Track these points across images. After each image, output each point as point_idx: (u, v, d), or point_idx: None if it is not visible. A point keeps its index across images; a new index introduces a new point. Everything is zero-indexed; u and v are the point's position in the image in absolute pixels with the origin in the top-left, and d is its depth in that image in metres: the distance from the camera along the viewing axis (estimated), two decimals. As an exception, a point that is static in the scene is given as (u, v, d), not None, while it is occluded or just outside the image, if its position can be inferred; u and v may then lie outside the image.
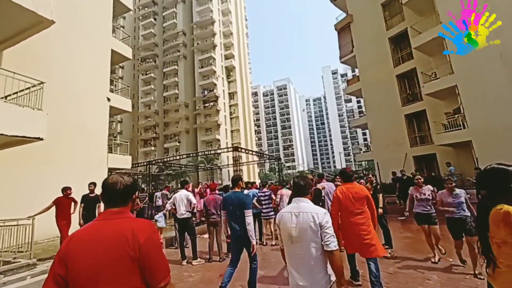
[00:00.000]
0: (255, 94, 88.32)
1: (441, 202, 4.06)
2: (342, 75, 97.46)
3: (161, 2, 50.46)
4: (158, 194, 11.61)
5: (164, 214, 7.71)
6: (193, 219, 7.25)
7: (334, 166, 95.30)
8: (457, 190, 3.97)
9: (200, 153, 25.99)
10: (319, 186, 5.25)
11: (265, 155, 25.18)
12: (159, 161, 22.17)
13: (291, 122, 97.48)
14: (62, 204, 5.52)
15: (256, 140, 61.99)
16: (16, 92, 5.28)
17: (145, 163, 20.95)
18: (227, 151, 21.92)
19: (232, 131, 47.31)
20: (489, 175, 1.50)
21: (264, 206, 6.76)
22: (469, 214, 3.86)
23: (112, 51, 11.43)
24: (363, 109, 23.85)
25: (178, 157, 22.75)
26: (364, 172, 36.13)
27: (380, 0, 17.48)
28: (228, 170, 38.40)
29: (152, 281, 1.13)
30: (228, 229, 3.79)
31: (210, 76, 44.65)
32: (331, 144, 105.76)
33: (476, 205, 3.82)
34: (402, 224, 7.87)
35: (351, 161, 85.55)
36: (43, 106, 5.59)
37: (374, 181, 5.85)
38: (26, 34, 6.02)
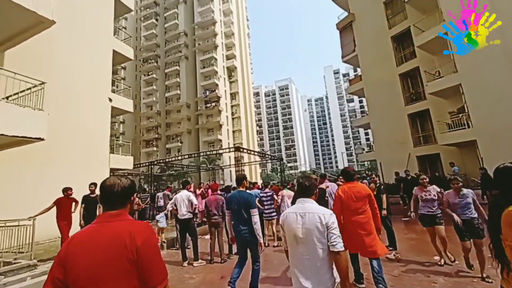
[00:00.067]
0: (256, 94, 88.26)
1: (448, 203, 3.91)
2: (344, 75, 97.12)
3: (162, 3, 50.60)
4: (160, 194, 11.59)
5: (166, 215, 7.68)
6: (195, 220, 7.22)
7: (337, 167, 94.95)
8: (465, 190, 3.82)
9: (202, 154, 25.97)
10: (323, 185, 5.18)
11: (267, 156, 25.11)
12: (161, 161, 22.18)
13: (293, 122, 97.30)
14: (63, 205, 5.50)
15: (258, 141, 61.94)
16: (17, 93, 5.27)
17: (147, 164, 20.98)
18: (229, 152, 21.88)
19: (234, 132, 47.29)
20: (502, 174, 1.46)
21: (266, 207, 6.70)
22: (476, 215, 3.71)
23: (114, 51, 11.44)
24: (366, 109, 23.70)
25: (180, 158, 22.75)
26: (367, 172, 35.93)
27: (382, -2, 17.34)
28: (230, 171, 38.40)
29: (149, 284, 1.13)
30: (231, 230, 3.74)
31: (211, 77, 44.67)
32: (333, 144, 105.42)
33: (487, 206, 3.75)
34: (406, 225, 7.77)
35: (354, 161, 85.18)
36: (44, 107, 5.57)
37: (378, 182, 5.74)
38: (27, 34, 6.01)
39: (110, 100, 11.00)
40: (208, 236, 6.04)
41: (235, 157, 19.00)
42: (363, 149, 27.90)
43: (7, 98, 5.26)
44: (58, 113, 8.28)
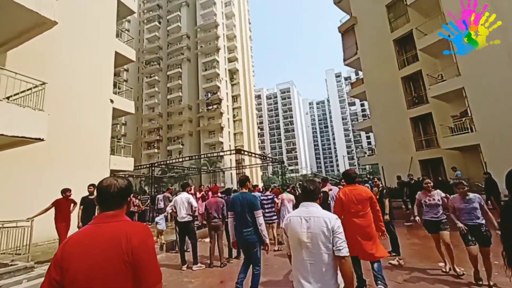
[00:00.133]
0: (258, 97, 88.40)
1: (453, 208, 3.78)
2: (345, 78, 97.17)
3: (165, 5, 50.99)
4: (160, 196, 11.51)
5: (165, 217, 7.61)
6: (195, 222, 7.14)
7: (338, 170, 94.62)
8: (471, 195, 3.66)
9: (202, 156, 25.93)
10: (325, 188, 5.11)
11: (268, 158, 25.03)
12: (162, 163, 22.14)
13: (294, 125, 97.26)
14: (62, 206, 5.44)
15: (259, 143, 61.85)
16: (18, 93, 5.25)
17: (147, 166, 20.95)
18: (230, 154, 21.82)
19: (235, 134, 47.28)
20: None
21: (266, 210, 6.61)
22: (483, 221, 3.55)
23: (116, 53, 11.47)
24: (367, 112, 23.63)
25: (181, 160, 22.70)
26: (368, 176, 35.74)
27: (385, 1, 17.35)
28: (231, 173, 38.29)
29: (142, 286, 1.12)
30: (233, 233, 3.70)
31: (213, 79, 44.82)
32: (335, 148, 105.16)
33: (491, 211, 3.64)
34: (408, 230, 7.65)
35: (355, 165, 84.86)
36: (45, 107, 5.55)
37: (381, 185, 5.63)
38: (29, 35, 6.02)
39: (112, 101, 11.00)
40: (207, 239, 5.96)
41: (236, 160, 18.93)
42: (365, 153, 27.76)
43: (8, 98, 5.25)
44: (59, 114, 8.28)
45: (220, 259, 5.30)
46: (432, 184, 4.26)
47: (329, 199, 4.98)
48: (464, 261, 4.06)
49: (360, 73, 20.73)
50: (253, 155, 22.59)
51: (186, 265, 5.26)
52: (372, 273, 3.29)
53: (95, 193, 5.63)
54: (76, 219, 5.52)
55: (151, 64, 48.66)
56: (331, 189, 5.22)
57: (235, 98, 48.76)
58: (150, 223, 11.14)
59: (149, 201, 12.57)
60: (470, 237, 3.52)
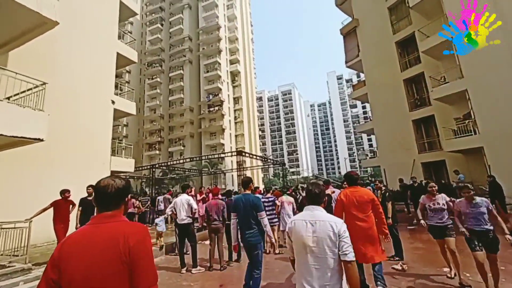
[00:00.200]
0: (259, 99, 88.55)
1: (458, 213, 3.66)
2: (347, 81, 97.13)
3: (168, 8, 51.31)
4: (160, 198, 11.47)
5: (166, 219, 7.54)
6: (195, 224, 7.06)
7: (339, 172, 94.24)
8: (478, 199, 3.51)
9: (204, 157, 25.89)
10: (328, 191, 5.03)
11: (269, 160, 24.94)
12: (163, 164, 22.12)
13: (295, 127, 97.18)
14: (60, 207, 5.39)
15: (260, 145, 61.81)
16: (18, 93, 5.23)
17: (148, 167, 20.93)
18: (231, 155, 21.77)
19: (236, 136, 47.27)
20: None
21: (267, 213, 6.52)
22: (492, 227, 3.38)
23: (118, 54, 11.48)
24: (369, 115, 23.54)
25: (182, 161, 22.66)
26: (370, 178, 35.54)
27: (387, 3, 17.34)
28: (232, 175, 38.22)
29: (137, 287, 1.11)
30: (236, 235, 3.66)
31: (215, 81, 44.92)
32: (336, 150, 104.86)
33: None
34: (411, 234, 7.54)
35: (357, 167, 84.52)
36: (46, 107, 5.53)
37: (383, 188, 5.51)
38: (31, 35, 6.02)
39: (113, 102, 10.99)
40: (208, 242, 5.89)
41: (237, 161, 18.86)
42: (367, 155, 27.63)
43: (8, 98, 5.23)
44: (60, 114, 8.26)
45: (220, 262, 5.22)
46: (436, 188, 4.13)
47: (332, 201, 4.90)
48: (470, 266, 3.95)
49: (362, 75, 20.67)
50: (254, 157, 22.54)
51: (185, 268, 5.18)
52: (372, 273, 3.30)
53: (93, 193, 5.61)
54: (74, 220, 5.47)
55: (153, 66, 48.87)
56: (333, 192, 5.15)
57: (236, 100, 48.81)
58: (150, 225, 11.07)
59: (149, 202, 12.52)
60: (476, 243, 3.38)
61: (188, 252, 5.74)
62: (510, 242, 3.24)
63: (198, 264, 5.23)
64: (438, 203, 3.99)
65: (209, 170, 33.02)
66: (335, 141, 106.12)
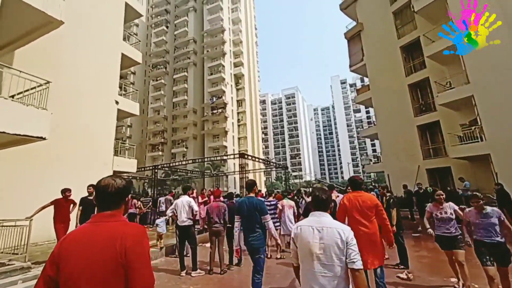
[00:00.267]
0: (263, 102, 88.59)
1: (467, 223, 3.49)
2: (351, 85, 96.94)
3: (173, 10, 51.86)
4: (162, 199, 11.42)
5: (167, 220, 7.48)
6: (196, 226, 6.98)
7: (342, 177, 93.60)
8: (488, 209, 3.31)
9: (206, 159, 25.87)
10: (332, 196, 4.94)
11: (271, 163, 24.84)
12: (165, 166, 22.14)
13: (298, 131, 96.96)
14: (61, 206, 5.35)
15: (263, 148, 61.69)
16: (21, 92, 5.24)
17: (151, 168, 20.94)
18: (234, 158, 21.74)
19: (239, 138, 47.26)
20: None
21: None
22: (503, 240, 3.22)
23: (123, 55, 11.55)
24: (373, 119, 23.39)
25: (184, 163, 22.65)
26: (373, 184, 35.20)
27: (391, 8, 17.28)
28: (234, 177, 38.11)
29: None
30: (238, 239, 3.62)
31: (219, 83, 45.08)
32: (339, 155, 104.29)
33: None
34: (416, 242, 7.39)
35: (360, 172, 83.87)
36: (49, 106, 5.52)
37: (388, 194, 5.38)
38: (36, 34, 6.06)
39: (117, 102, 11.03)
40: (208, 244, 5.81)
41: (239, 164, 18.81)
42: (370, 160, 27.37)
43: (12, 96, 5.24)
44: (63, 113, 8.30)
45: (220, 266, 5.14)
46: (444, 196, 3.94)
47: (337, 207, 4.81)
48: (479, 277, 3.81)
49: (366, 80, 20.56)
50: (257, 159, 22.46)
51: (185, 271, 5.11)
52: (374, 280, 3.26)
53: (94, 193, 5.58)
54: (75, 220, 5.43)
55: (158, 68, 49.26)
56: (337, 196, 5.06)
57: (240, 102, 48.91)
58: (151, 226, 11.02)
59: (151, 203, 12.48)
60: (488, 257, 3.20)
61: (188, 255, 5.67)
62: None
63: (198, 267, 5.15)
64: (446, 212, 3.81)
65: (212, 172, 32.98)
66: (338, 145, 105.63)
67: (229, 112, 44.40)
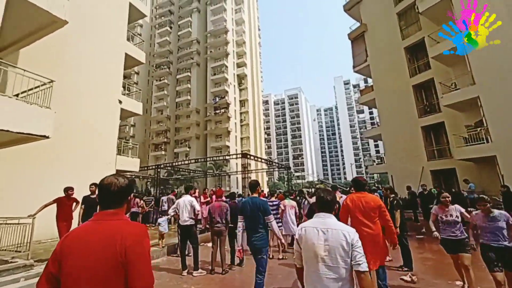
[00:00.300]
0: (266, 102, 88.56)
1: (474, 226, 3.40)
2: (354, 86, 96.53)
3: (177, 11, 52.10)
4: (164, 198, 11.42)
5: (169, 219, 7.48)
6: (198, 226, 6.97)
7: (345, 178, 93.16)
8: (496, 212, 3.22)
9: (209, 159, 25.90)
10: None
11: (274, 164, 24.79)
12: (168, 165, 22.21)
13: (301, 131, 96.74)
14: (63, 204, 5.37)
15: (265, 149, 61.66)
16: (25, 91, 5.28)
17: (153, 167, 21.02)
18: (236, 158, 21.74)
19: (242, 139, 47.28)
20: None
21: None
22: (511, 244, 3.12)
23: (126, 54, 11.60)
24: (376, 120, 23.23)
25: (187, 162, 22.69)
26: (376, 185, 34.95)
27: (396, 9, 17.17)
28: (237, 177, 38.14)
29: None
30: (241, 240, 3.63)
31: (222, 83, 45.16)
32: (342, 155, 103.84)
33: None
34: (420, 243, 7.30)
35: (363, 173, 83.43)
36: (52, 105, 5.56)
37: (392, 196, 5.30)
38: (41, 33, 6.10)
39: (120, 102, 11.08)
40: (210, 244, 5.79)
41: (242, 164, 18.79)
42: (374, 161, 27.20)
43: (16, 95, 5.28)
44: (66, 112, 8.35)
45: (222, 266, 5.11)
46: (450, 198, 3.82)
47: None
48: (485, 280, 3.75)
49: (370, 80, 20.45)
50: (259, 160, 22.43)
51: (186, 270, 5.10)
52: (377, 282, 3.28)
53: (97, 192, 5.59)
54: (77, 218, 5.45)
55: (161, 68, 49.49)
56: (341, 197, 5.02)
57: (242, 103, 48.94)
58: (153, 225, 11.04)
59: (153, 202, 12.51)
60: (495, 262, 3.10)
61: (190, 254, 5.66)
62: None
63: (200, 266, 5.14)
64: (451, 215, 3.71)
65: (214, 172, 33.01)
66: (341, 146, 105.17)
67: (232, 112, 44.45)
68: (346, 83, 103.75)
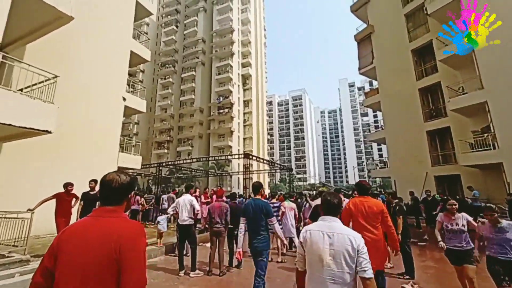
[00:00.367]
0: (270, 103, 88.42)
1: (480, 237, 3.26)
2: (359, 88, 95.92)
3: (183, 10, 52.31)
4: (165, 196, 11.41)
5: (168, 218, 7.45)
6: (197, 226, 6.91)
7: (347, 181, 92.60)
8: (504, 223, 3.05)
9: (211, 158, 25.87)
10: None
11: (276, 165, 24.68)
12: (170, 163, 22.24)
13: (304, 133, 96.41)
14: (62, 200, 5.35)
15: (268, 149, 61.55)
16: (29, 86, 5.27)
17: (155, 165, 21.06)
18: (238, 158, 21.68)
19: (244, 139, 47.24)
20: None
21: (272, 218, 6.33)
22: None
23: (132, 52, 11.62)
24: (380, 123, 23.02)
25: (189, 161, 22.69)
26: (379, 189, 34.61)
27: (404, 10, 16.97)
28: (238, 178, 38.09)
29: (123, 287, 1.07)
30: (241, 242, 3.57)
31: (226, 83, 45.19)
32: (345, 158, 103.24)
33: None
34: (422, 251, 7.15)
35: (365, 177, 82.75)
36: (56, 100, 5.55)
37: (395, 201, 5.18)
38: (47, 29, 6.10)
39: (124, 99, 11.10)
40: (209, 244, 5.73)
41: (244, 164, 18.73)
42: (377, 165, 26.93)
43: (21, 90, 5.28)
44: (70, 108, 8.37)
45: (219, 267, 5.04)
46: (457, 206, 3.64)
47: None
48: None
49: (375, 83, 20.27)
50: (262, 160, 22.36)
51: (183, 271, 5.04)
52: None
53: (96, 188, 5.56)
54: (76, 214, 5.43)
55: (167, 66, 49.71)
56: (344, 200, 4.92)
57: (246, 103, 48.91)
58: (152, 223, 11.03)
59: (153, 200, 12.51)
60: (502, 276, 2.94)
61: (188, 254, 5.60)
62: None
63: (197, 267, 5.08)
64: (458, 224, 3.52)
65: (216, 172, 33.00)
66: (344, 149, 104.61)
67: (235, 112, 44.44)
68: (351, 85, 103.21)
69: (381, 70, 18.41)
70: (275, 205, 6.49)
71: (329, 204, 1.84)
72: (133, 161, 11.80)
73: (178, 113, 47.28)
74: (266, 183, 49.35)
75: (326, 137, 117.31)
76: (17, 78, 5.12)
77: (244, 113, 48.38)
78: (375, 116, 75.05)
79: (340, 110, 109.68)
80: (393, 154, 17.35)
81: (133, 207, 9.78)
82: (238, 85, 47.60)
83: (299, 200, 8.89)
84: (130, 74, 11.77)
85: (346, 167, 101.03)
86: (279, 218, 6.37)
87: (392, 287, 4.23)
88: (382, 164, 23.73)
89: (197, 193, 9.70)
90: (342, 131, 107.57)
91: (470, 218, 3.56)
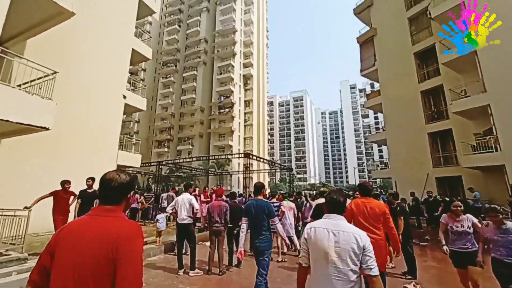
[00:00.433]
0: (270, 103, 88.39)
1: (485, 239, 3.19)
2: (360, 90, 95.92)
3: (186, 10, 52.32)
4: (164, 195, 11.35)
5: (168, 217, 7.40)
6: (197, 224, 6.86)
7: (347, 182, 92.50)
8: (509, 224, 2.97)
9: (211, 157, 25.78)
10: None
11: (276, 164, 24.61)
12: (170, 162, 22.21)
13: (305, 133, 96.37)
14: (60, 198, 5.28)
15: (268, 149, 61.47)
16: (27, 82, 5.22)
17: (155, 163, 21.00)
18: (239, 157, 21.63)
19: (245, 139, 47.19)
20: None
21: (272, 218, 6.28)
22: None
23: (133, 50, 11.57)
24: (381, 125, 22.98)
25: (189, 160, 22.63)
26: (379, 190, 34.54)
27: (407, 14, 16.94)
28: (238, 177, 38.04)
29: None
30: (243, 242, 3.53)
31: (227, 83, 45.17)
32: (345, 159, 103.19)
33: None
34: (423, 251, 7.10)
35: (365, 178, 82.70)
36: (55, 97, 5.50)
37: (396, 202, 5.13)
38: (47, 25, 6.06)
39: (124, 97, 11.05)
40: (208, 243, 5.68)
41: (244, 164, 18.68)
42: (377, 166, 26.90)
43: (19, 86, 5.23)
44: (70, 105, 8.32)
45: (219, 266, 4.99)
46: (462, 208, 3.54)
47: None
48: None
49: (376, 85, 20.21)
50: (262, 160, 22.30)
51: (183, 270, 4.99)
52: None
53: (94, 186, 5.51)
54: (73, 212, 5.38)
55: (168, 65, 49.70)
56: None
57: (247, 103, 48.87)
58: (152, 221, 10.99)
59: (153, 199, 12.46)
60: (508, 279, 2.86)
61: (187, 253, 5.55)
62: None
63: (197, 266, 5.03)
64: (463, 226, 3.42)
65: (216, 171, 32.95)
66: (344, 150, 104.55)
67: (236, 112, 44.41)
68: (352, 87, 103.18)
69: (383, 72, 18.38)
70: (275, 204, 6.44)
71: (334, 202, 1.83)
72: (133, 160, 11.75)
73: (179, 112, 47.25)
74: (266, 182, 49.29)
75: (326, 138, 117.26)
76: (16, 74, 5.08)
77: (245, 113, 48.33)
78: (376, 117, 74.94)
79: (341, 111, 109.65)
80: (394, 155, 17.31)
81: (132, 206, 9.74)
82: (240, 85, 47.58)
83: (298, 199, 8.85)
84: (131, 73, 11.73)
85: (346, 167, 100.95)
86: (280, 217, 6.33)
87: (394, 287, 4.18)
88: (383, 165, 23.69)
89: (197, 192, 9.65)
90: (342, 132, 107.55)
91: (476, 220, 3.47)
